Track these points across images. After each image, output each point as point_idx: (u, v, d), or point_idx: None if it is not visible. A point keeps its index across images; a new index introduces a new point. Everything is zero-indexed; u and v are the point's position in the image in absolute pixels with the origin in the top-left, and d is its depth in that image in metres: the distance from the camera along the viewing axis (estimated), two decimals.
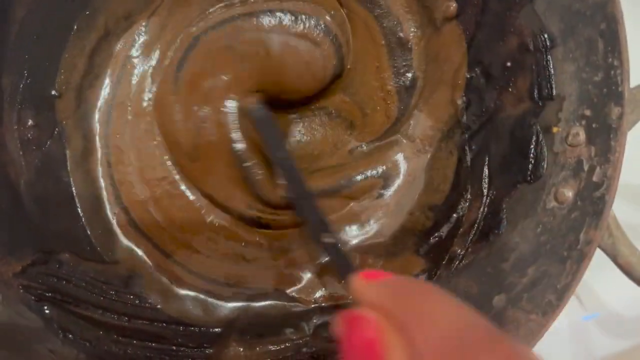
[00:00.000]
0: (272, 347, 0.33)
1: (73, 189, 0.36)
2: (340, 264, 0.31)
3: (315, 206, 0.34)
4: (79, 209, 0.36)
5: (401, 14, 0.38)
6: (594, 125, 0.29)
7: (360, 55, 0.39)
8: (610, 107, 0.28)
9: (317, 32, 0.36)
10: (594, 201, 0.28)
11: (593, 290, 0.42)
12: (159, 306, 0.35)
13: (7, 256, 0.31)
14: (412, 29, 0.38)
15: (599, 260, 0.29)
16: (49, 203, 0.35)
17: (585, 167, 0.29)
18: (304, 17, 0.36)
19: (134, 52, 0.38)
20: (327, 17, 0.37)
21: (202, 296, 0.36)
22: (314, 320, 0.35)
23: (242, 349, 0.33)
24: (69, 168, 0.36)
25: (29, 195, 0.33)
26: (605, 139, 0.28)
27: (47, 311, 0.31)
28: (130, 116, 0.39)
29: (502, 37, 0.33)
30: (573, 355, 0.41)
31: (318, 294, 0.37)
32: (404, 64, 0.39)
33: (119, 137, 0.38)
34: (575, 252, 0.28)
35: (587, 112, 0.29)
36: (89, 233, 0.36)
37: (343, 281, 0.35)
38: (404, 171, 0.38)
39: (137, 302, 0.34)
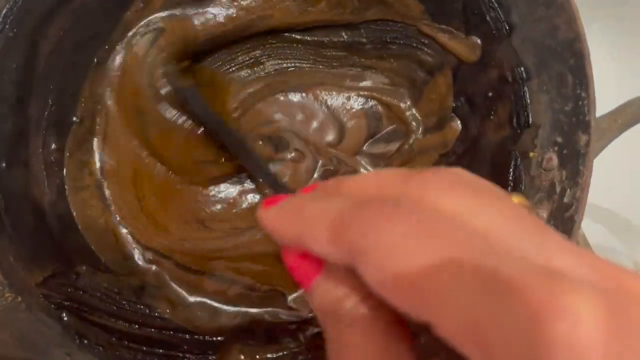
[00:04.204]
0: (270, 355, 0.36)
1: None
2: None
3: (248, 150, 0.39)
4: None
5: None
6: (564, 152, 0.31)
7: None
8: (579, 135, 0.31)
9: None
10: (565, 221, 0.31)
11: None
12: (166, 315, 0.38)
13: (31, 267, 0.34)
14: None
15: None
16: (68, 221, 0.38)
17: (557, 190, 0.31)
18: None
19: None
20: None
21: (209, 302, 0.38)
22: (310, 330, 0.37)
23: (242, 356, 0.36)
24: None
25: (52, 213, 0.37)
26: (574, 164, 0.31)
27: (65, 318, 0.33)
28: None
29: (484, 69, 0.36)
30: None
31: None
32: None
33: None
34: None
35: (559, 139, 0.32)
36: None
37: None
38: None
39: (147, 311, 0.37)
